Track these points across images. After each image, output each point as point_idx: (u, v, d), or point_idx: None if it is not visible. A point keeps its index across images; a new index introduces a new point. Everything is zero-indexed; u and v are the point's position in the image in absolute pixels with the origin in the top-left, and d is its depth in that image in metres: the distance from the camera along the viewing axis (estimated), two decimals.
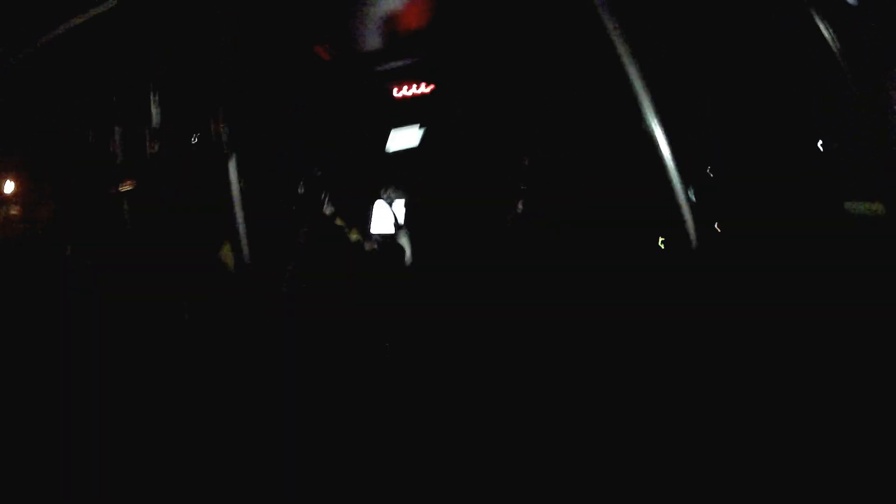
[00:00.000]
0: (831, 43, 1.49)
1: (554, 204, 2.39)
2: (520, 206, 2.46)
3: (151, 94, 2.32)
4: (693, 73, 1.98)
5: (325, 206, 2.73)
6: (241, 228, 1.98)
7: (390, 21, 2.60)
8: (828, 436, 1.54)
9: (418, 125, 3.03)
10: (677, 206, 1.86)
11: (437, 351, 2.27)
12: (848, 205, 1.68)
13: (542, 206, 2.42)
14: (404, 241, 2.58)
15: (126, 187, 2.29)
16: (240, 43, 2.34)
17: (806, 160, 1.79)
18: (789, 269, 1.75)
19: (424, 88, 3.01)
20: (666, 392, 1.81)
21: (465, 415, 2.04)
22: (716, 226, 1.93)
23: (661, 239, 2.09)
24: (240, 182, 2.00)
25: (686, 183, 1.83)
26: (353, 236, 2.72)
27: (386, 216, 2.75)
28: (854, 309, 1.61)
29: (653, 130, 1.87)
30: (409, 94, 3.05)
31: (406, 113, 3.07)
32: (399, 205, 2.81)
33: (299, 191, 2.70)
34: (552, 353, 2.08)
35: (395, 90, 3.09)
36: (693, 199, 1.83)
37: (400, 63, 2.96)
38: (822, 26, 1.49)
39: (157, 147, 2.31)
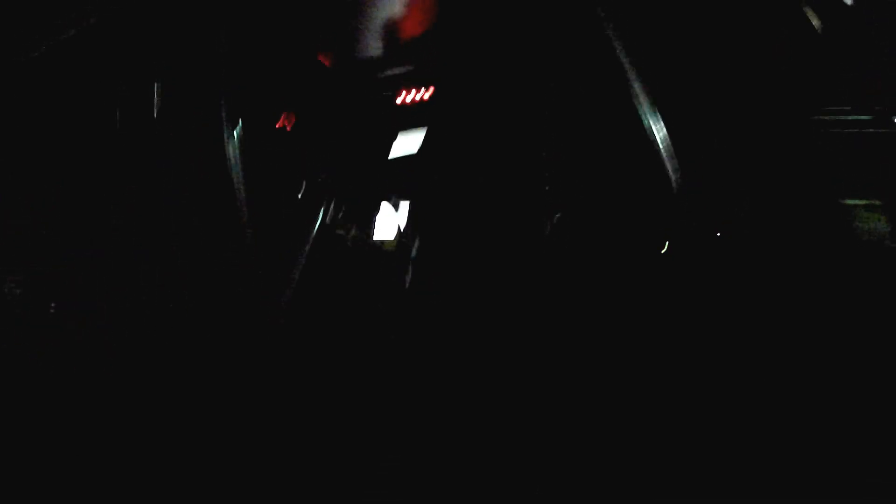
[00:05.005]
0: (827, 41, 1.51)
1: (557, 207, 2.40)
2: (524, 209, 2.47)
3: (155, 95, 2.32)
4: (693, 75, 2.00)
5: (328, 211, 2.72)
6: (248, 232, 1.98)
7: (391, 27, 2.63)
8: (828, 436, 1.54)
9: (420, 131, 3.04)
10: (678, 210, 1.87)
11: (440, 355, 2.26)
12: (850, 205, 1.69)
13: (546, 208, 2.43)
14: (408, 247, 2.58)
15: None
16: (242, 48, 2.36)
17: (805, 161, 1.81)
18: (790, 270, 1.76)
19: (426, 94, 3.02)
20: (667, 391, 1.82)
21: (467, 415, 2.03)
22: (717, 232, 1.94)
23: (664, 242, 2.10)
24: (244, 186, 2.00)
25: (687, 185, 1.84)
26: (356, 241, 2.72)
27: (389, 222, 2.76)
28: (854, 309, 1.62)
29: (654, 133, 1.88)
30: (411, 100, 3.07)
31: (408, 119, 3.08)
32: (402, 210, 2.81)
33: (300, 196, 2.69)
34: (555, 354, 2.08)
35: (396, 96, 3.10)
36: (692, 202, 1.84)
37: (401, 69, 2.98)
38: (817, 25, 1.51)
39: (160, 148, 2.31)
